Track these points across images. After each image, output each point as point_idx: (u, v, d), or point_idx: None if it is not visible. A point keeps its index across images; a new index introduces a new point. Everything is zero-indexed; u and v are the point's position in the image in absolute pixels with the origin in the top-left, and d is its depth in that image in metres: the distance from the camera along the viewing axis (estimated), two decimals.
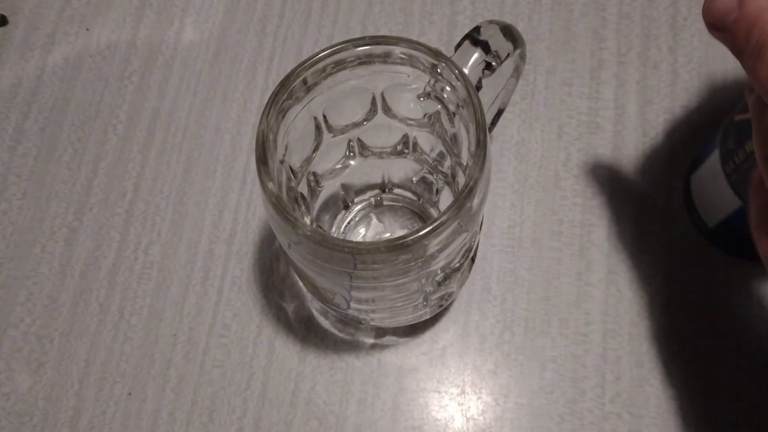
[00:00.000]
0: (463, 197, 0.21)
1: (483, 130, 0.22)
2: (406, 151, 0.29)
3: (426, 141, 0.28)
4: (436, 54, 0.23)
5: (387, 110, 0.27)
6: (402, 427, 0.31)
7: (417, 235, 0.21)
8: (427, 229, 0.21)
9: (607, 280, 0.33)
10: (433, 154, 0.29)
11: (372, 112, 0.27)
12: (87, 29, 0.39)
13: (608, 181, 0.35)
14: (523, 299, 0.33)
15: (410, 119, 0.27)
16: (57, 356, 0.33)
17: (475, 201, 0.22)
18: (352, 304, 0.27)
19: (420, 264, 0.23)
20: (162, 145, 0.37)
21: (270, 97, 0.23)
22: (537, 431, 0.31)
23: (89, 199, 0.36)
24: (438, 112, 0.26)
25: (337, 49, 0.23)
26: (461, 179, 0.27)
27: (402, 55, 0.24)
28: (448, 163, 0.28)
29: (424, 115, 0.27)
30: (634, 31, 0.37)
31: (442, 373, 0.32)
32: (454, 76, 0.23)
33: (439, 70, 0.24)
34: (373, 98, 0.26)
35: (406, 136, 0.29)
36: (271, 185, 0.22)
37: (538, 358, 0.32)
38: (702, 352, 0.32)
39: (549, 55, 0.37)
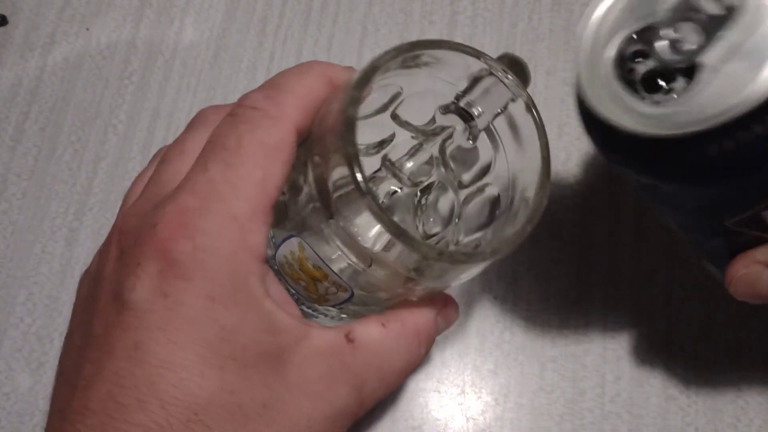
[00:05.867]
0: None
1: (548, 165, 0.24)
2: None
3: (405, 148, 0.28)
4: (516, 85, 0.24)
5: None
6: (402, 427, 0.31)
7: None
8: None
9: (607, 280, 0.33)
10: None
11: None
12: (87, 29, 0.39)
13: (608, 181, 0.35)
14: (523, 299, 0.33)
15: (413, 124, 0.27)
16: (57, 356, 0.33)
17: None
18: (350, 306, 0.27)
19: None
20: (162, 145, 0.36)
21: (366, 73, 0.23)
22: (537, 431, 0.31)
23: (89, 199, 0.36)
24: (452, 127, 0.26)
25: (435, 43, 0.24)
26: (442, 195, 0.27)
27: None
28: (432, 177, 0.28)
29: (434, 126, 0.27)
30: None
31: (442, 373, 0.32)
32: (528, 111, 0.24)
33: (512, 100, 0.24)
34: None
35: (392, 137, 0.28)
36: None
37: (538, 358, 0.32)
38: (702, 352, 0.32)
39: (549, 55, 0.37)
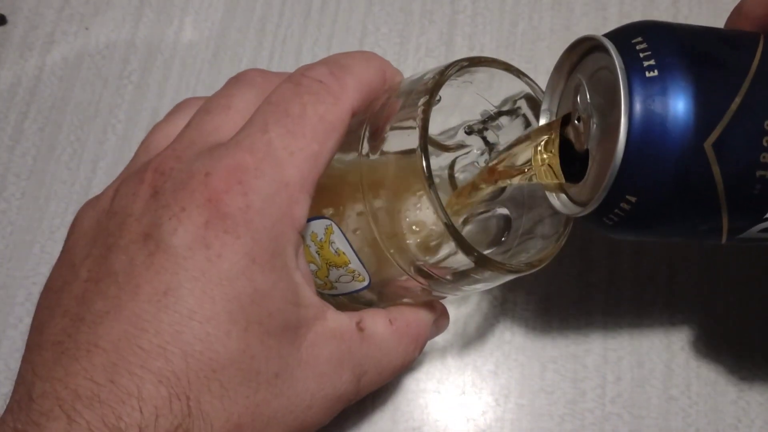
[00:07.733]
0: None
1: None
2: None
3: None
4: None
5: None
6: (402, 427, 0.31)
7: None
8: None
9: (607, 280, 0.33)
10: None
11: None
12: (86, 29, 0.39)
13: None
14: (523, 299, 0.33)
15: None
16: None
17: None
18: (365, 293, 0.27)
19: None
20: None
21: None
22: None
23: (88, 198, 0.36)
24: (470, 146, 0.26)
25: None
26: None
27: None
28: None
29: (453, 142, 0.27)
30: None
31: (442, 373, 0.32)
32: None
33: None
34: None
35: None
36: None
37: (538, 358, 0.32)
38: (703, 353, 0.32)
39: (549, 55, 0.37)
